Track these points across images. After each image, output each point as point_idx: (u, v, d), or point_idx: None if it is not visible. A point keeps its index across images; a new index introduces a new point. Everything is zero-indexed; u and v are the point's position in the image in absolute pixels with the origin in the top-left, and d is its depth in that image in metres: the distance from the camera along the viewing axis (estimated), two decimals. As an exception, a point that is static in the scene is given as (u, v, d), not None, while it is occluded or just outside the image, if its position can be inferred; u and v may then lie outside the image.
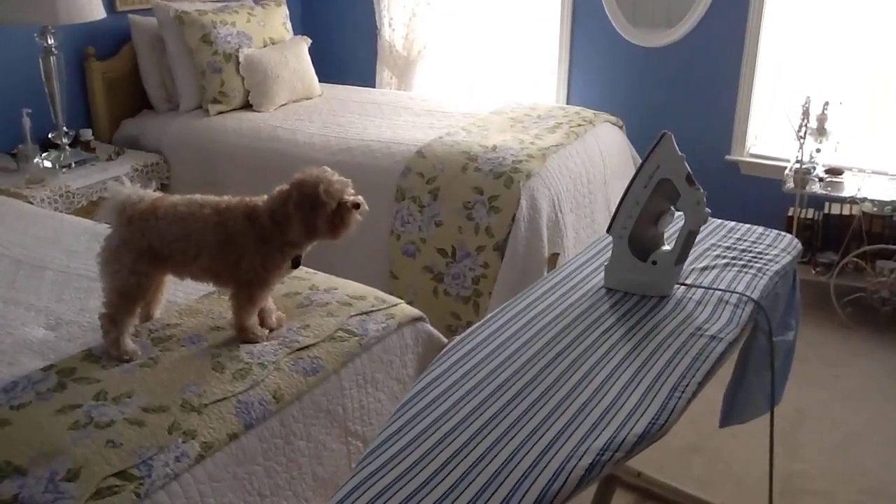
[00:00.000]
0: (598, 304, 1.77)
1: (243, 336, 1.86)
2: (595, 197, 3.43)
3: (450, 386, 1.45)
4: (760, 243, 2.11)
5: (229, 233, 1.81)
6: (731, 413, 2.08)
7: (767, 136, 4.02)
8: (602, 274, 1.89)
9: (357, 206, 1.79)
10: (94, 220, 1.90)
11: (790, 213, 3.61)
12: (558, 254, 3.04)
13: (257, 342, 1.85)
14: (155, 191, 1.89)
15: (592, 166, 3.42)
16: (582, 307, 1.76)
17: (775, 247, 2.09)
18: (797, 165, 3.50)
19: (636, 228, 1.81)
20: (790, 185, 3.52)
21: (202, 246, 1.80)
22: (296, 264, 1.89)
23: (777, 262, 1.99)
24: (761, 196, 3.91)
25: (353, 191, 1.81)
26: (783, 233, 2.19)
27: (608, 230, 1.85)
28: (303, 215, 1.76)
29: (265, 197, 1.84)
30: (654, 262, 1.81)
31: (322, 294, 2.08)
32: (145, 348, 1.82)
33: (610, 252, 1.87)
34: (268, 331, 1.91)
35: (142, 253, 1.80)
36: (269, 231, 1.80)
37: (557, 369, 1.50)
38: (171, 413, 1.59)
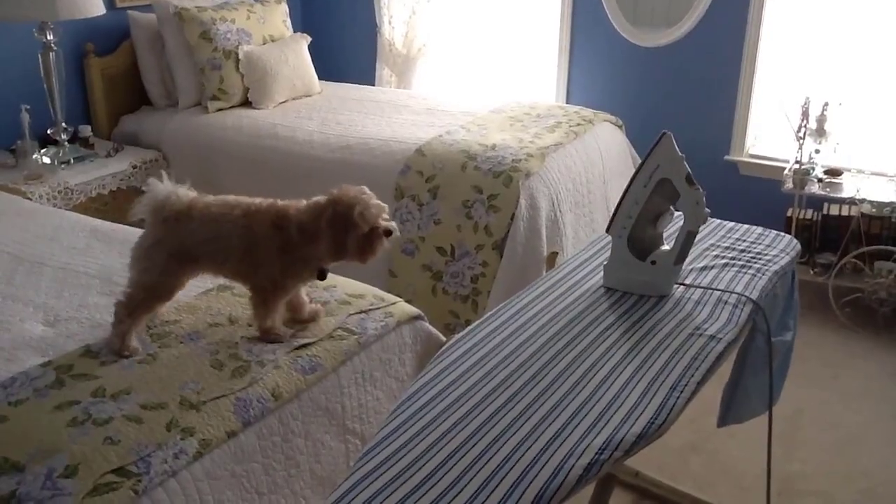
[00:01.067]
0: (596, 303, 1.77)
1: (265, 337, 1.85)
2: (594, 196, 3.43)
3: (448, 384, 1.45)
4: (759, 244, 2.11)
5: (254, 237, 1.80)
6: (730, 413, 2.08)
7: (767, 136, 4.02)
8: (601, 273, 1.89)
9: (389, 233, 1.77)
10: (129, 217, 1.90)
11: (789, 214, 3.61)
12: (557, 253, 3.04)
13: (280, 342, 1.85)
14: (189, 190, 1.87)
15: (592, 166, 3.42)
16: (581, 306, 1.76)
17: (774, 247, 2.09)
18: (796, 166, 3.50)
19: (635, 228, 1.80)
20: (789, 185, 3.52)
21: (230, 248, 1.80)
22: (322, 276, 1.86)
23: (776, 263, 1.99)
24: (760, 196, 3.91)
25: (387, 216, 1.79)
26: (782, 233, 2.19)
27: (607, 229, 1.85)
28: (334, 234, 1.74)
29: (302, 202, 1.81)
30: (654, 262, 1.81)
31: (321, 292, 2.08)
32: (144, 345, 1.81)
33: (609, 251, 1.87)
34: (292, 330, 1.89)
35: (174, 253, 1.80)
36: (295, 242, 1.78)
37: (556, 368, 1.50)
38: (170, 410, 1.59)
